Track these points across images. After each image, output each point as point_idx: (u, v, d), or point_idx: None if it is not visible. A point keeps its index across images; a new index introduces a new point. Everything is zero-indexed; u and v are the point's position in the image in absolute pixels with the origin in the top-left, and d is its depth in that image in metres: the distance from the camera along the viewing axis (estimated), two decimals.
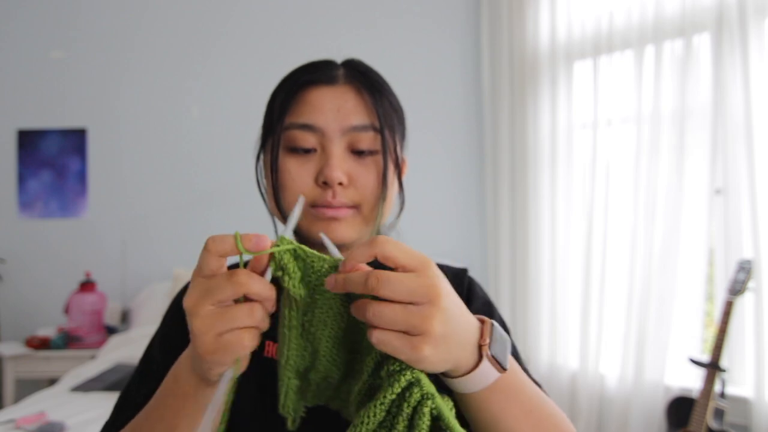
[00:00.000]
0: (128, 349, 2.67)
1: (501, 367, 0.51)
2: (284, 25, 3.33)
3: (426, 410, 0.46)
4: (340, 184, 0.68)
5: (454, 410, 0.49)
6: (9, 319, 3.38)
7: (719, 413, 1.88)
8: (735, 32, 2.08)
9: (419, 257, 0.47)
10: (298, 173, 0.69)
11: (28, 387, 3.08)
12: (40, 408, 2.01)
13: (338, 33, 3.30)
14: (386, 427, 0.47)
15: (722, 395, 1.91)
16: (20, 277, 3.39)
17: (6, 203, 3.41)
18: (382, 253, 0.47)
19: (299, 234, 0.73)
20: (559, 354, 2.66)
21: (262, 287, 0.48)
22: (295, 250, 0.50)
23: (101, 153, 3.42)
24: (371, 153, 0.70)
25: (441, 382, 0.52)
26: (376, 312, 0.45)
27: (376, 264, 0.48)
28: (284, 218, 0.71)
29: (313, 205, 0.69)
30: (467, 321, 0.50)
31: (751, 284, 1.97)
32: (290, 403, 0.56)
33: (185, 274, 3.02)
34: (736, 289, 1.92)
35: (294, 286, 0.49)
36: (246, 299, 0.48)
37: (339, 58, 0.76)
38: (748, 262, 1.98)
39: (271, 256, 0.49)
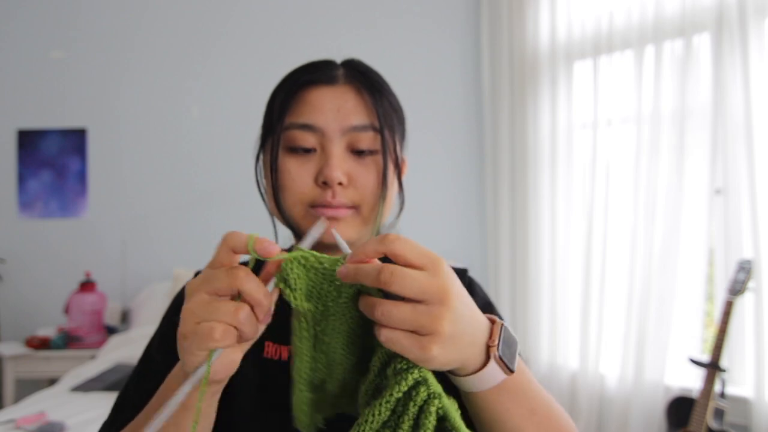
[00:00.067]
0: (128, 349, 2.67)
1: (508, 369, 0.51)
2: (284, 25, 3.33)
3: (432, 409, 0.45)
4: (340, 184, 0.68)
5: (459, 411, 0.49)
6: (9, 319, 3.38)
7: (719, 413, 1.88)
8: (735, 32, 2.08)
9: (431, 256, 0.47)
10: (298, 173, 0.69)
11: (28, 387, 3.08)
12: (40, 408, 2.01)
13: (338, 33, 3.30)
14: (390, 427, 0.46)
15: (722, 395, 1.91)
16: (20, 277, 3.39)
17: (6, 203, 3.41)
18: (393, 250, 0.46)
19: (299, 235, 0.73)
20: (559, 354, 2.66)
21: (255, 288, 0.47)
22: (306, 263, 0.48)
23: (101, 153, 3.42)
24: (371, 153, 0.70)
25: (446, 380, 0.52)
26: (385, 311, 0.45)
27: (385, 261, 0.48)
28: (284, 218, 0.71)
29: (312, 205, 0.69)
30: (477, 321, 0.50)
31: (751, 284, 1.97)
32: (303, 417, 0.55)
33: (185, 274, 3.02)
34: (736, 289, 1.92)
35: (295, 298, 0.48)
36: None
37: (339, 58, 0.75)
38: (748, 262, 1.98)
39: (279, 268, 0.49)
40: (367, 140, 0.69)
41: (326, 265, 0.49)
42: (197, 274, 0.80)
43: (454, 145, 3.23)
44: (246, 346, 0.52)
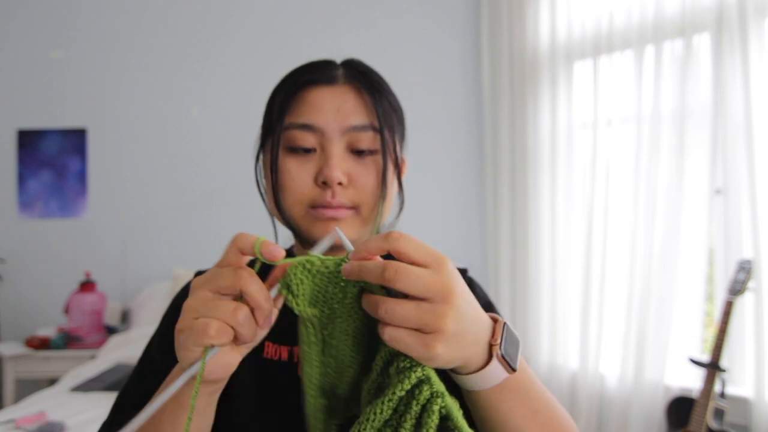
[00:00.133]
0: (128, 349, 2.67)
1: (510, 368, 0.51)
2: (284, 25, 3.33)
3: (435, 408, 0.45)
4: (340, 184, 0.68)
5: (461, 411, 0.48)
6: (9, 319, 3.38)
7: (719, 413, 1.88)
8: (735, 32, 2.08)
9: (434, 254, 0.47)
10: (298, 173, 0.69)
11: (28, 387, 3.08)
12: (40, 408, 2.01)
13: (338, 33, 3.30)
14: (392, 426, 0.46)
15: (722, 395, 1.91)
16: (20, 277, 3.39)
17: (6, 203, 3.41)
18: (397, 247, 0.46)
19: (299, 236, 0.73)
20: (559, 354, 2.66)
21: (257, 291, 0.47)
22: (312, 267, 0.48)
23: (101, 153, 3.42)
24: (371, 153, 0.70)
25: (448, 380, 0.52)
26: (388, 309, 0.45)
27: (388, 259, 0.48)
28: (284, 219, 0.71)
29: (312, 206, 0.69)
30: (480, 319, 0.50)
31: (751, 284, 1.97)
32: (318, 424, 0.55)
33: (185, 274, 3.02)
34: (736, 289, 1.92)
35: (297, 304, 0.48)
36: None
37: (339, 58, 0.75)
38: (748, 262, 1.98)
39: (284, 274, 0.48)
40: (367, 140, 0.69)
41: (331, 267, 0.48)
42: (197, 274, 0.80)
43: (454, 145, 3.23)
44: (244, 350, 0.52)
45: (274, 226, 0.76)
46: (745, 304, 2.07)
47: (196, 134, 3.39)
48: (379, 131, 0.70)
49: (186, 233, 3.37)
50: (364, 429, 0.46)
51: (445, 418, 0.45)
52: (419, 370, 0.46)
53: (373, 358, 0.51)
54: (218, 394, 0.55)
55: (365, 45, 3.19)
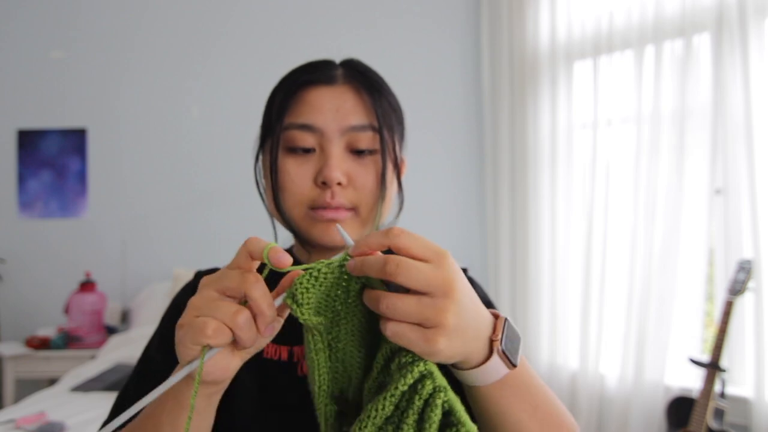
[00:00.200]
0: (128, 349, 2.67)
1: (511, 363, 0.51)
2: (284, 25, 3.33)
3: (438, 402, 0.45)
4: (339, 184, 0.68)
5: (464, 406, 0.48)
6: (9, 319, 3.38)
7: (719, 413, 1.88)
8: (735, 32, 2.08)
9: (435, 248, 0.47)
10: (297, 173, 0.69)
11: (28, 387, 3.08)
12: (40, 408, 2.01)
13: (338, 33, 3.30)
14: (394, 423, 0.46)
15: (722, 395, 1.91)
16: (20, 277, 3.39)
17: (6, 203, 3.41)
18: (397, 243, 0.46)
19: (299, 237, 0.73)
20: (559, 354, 2.66)
21: (260, 296, 0.47)
22: (319, 274, 0.48)
23: (101, 153, 3.42)
24: (370, 153, 0.70)
25: (449, 377, 0.52)
26: (390, 304, 0.45)
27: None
28: (283, 218, 0.71)
29: (311, 207, 0.69)
30: (480, 315, 0.50)
31: (751, 284, 1.96)
32: (331, 430, 0.54)
33: (185, 274, 3.02)
34: (736, 289, 1.92)
35: (302, 314, 0.48)
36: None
37: (339, 58, 0.75)
38: (748, 262, 1.98)
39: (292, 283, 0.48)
40: (366, 140, 0.69)
41: (335, 269, 0.48)
42: (197, 273, 0.80)
43: (454, 145, 3.23)
44: (245, 356, 0.51)
45: (274, 227, 0.76)
46: (745, 304, 2.07)
47: (196, 134, 3.39)
48: (379, 131, 0.70)
49: (186, 233, 3.37)
50: (366, 426, 0.45)
51: (448, 413, 0.45)
52: (421, 364, 0.45)
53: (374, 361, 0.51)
54: (218, 396, 0.54)
55: (365, 45, 3.19)
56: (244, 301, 0.48)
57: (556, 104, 2.70)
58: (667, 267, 2.25)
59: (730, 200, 2.12)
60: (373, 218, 0.71)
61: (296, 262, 0.59)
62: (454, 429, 0.45)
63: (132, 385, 0.73)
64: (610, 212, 2.49)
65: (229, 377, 0.51)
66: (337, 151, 0.69)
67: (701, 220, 2.20)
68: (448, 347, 0.45)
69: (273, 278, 0.51)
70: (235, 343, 0.48)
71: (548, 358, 2.70)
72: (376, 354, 0.51)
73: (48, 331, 3.17)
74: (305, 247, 0.74)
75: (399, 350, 0.47)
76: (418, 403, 0.45)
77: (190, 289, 0.78)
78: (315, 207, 0.69)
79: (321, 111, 0.69)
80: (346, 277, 0.48)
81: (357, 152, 0.70)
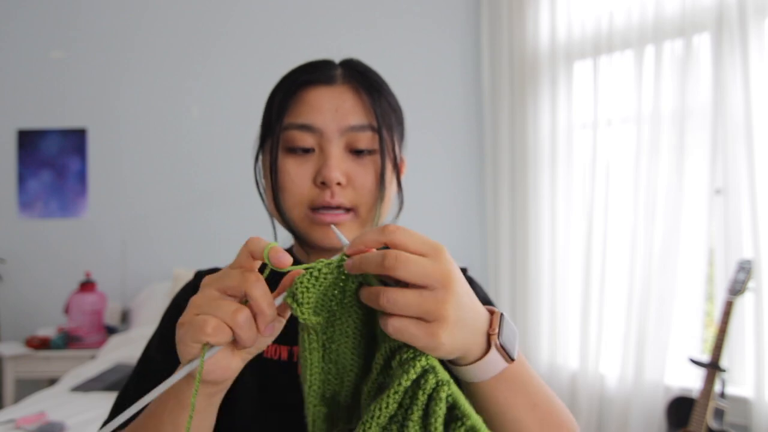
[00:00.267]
0: (128, 349, 2.67)
1: (509, 357, 0.51)
2: (284, 25, 3.33)
3: (443, 395, 0.44)
4: (339, 184, 0.68)
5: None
6: (9, 319, 3.38)
7: (719, 413, 1.88)
8: (735, 32, 2.08)
9: (431, 243, 0.47)
10: (297, 173, 0.69)
11: (28, 387, 3.09)
12: (40, 408, 2.01)
13: (338, 33, 3.30)
14: (398, 422, 0.45)
15: (722, 395, 1.91)
16: (20, 277, 3.39)
17: (6, 203, 3.41)
18: (393, 239, 0.46)
19: (299, 238, 0.73)
20: (559, 354, 2.66)
21: (261, 295, 0.47)
22: (319, 274, 0.48)
23: (101, 153, 3.42)
24: (370, 153, 0.70)
25: (448, 372, 0.52)
26: (390, 298, 0.45)
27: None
28: (282, 219, 0.71)
29: (311, 207, 0.69)
30: (477, 310, 0.50)
31: (751, 284, 1.96)
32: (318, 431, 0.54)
33: (185, 274, 3.02)
34: (736, 289, 1.92)
35: (302, 313, 0.48)
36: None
37: (339, 58, 0.75)
38: (748, 262, 1.98)
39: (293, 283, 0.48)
40: (366, 140, 0.69)
41: (334, 269, 0.48)
42: (197, 274, 0.80)
43: (454, 145, 3.23)
44: (246, 356, 0.51)
45: (274, 227, 0.76)
46: (745, 304, 2.07)
47: (196, 134, 3.39)
48: (378, 131, 0.70)
49: (186, 233, 3.37)
50: (370, 427, 0.45)
51: (452, 407, 0.45)
52: (423, 359, 0.45)
53: (372, 362, 0.51)
54: (219, 396, 0.54)
55: (365, 45, 3.19)
56: (245, 301, 0.48)
57: (556, 104, 2.70)
58: (667, 267, 2.25)
59: (730, 200, 2.12)
60: (373, 218, 0.71)
61: (296, 262, 0.59)
62: (459, 423, 0.44)
63: (132, 385, 0.73)
64: (610, 212, 2.49)
65: (231, 377, 0.51)
66: (336, 151, 0.69)
67: (701, 220, 2.20)
68: (449, 341, 0.45)
69: (274, 278, 0.51)
70: (235, 343, 0.48)
71: (548, 358, 2.70)
72: (370, 359, 0.51)
73: (48, 331, 3.17)
74: (304, 248, 0.74)
75: (399, 348, 0.47)
76: (422, 398, 0.44)
77: (190, 289, 0.78)
78: (314, 207, 0.69)
79: (320, 111, 0.69)
80: (343, 277, 0.48)
81: (356, 152, 0.70)
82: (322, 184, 0.68)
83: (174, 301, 0.79)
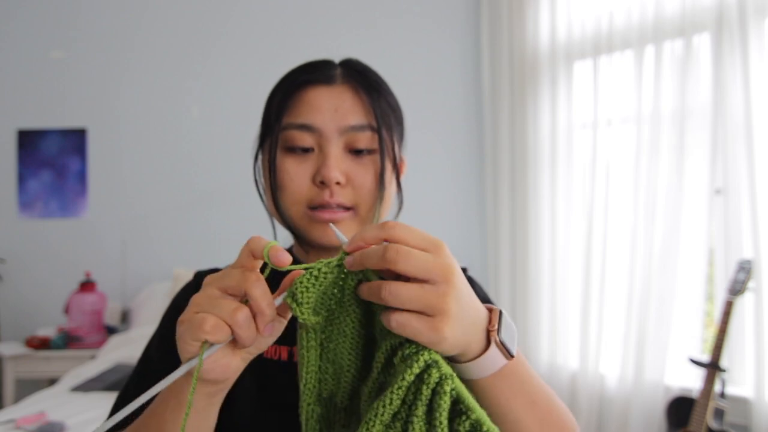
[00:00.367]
0: (128, 349, 2.67)
1: (508, 353, 0.51)
2: (284, 25, 3.33)
3: (447, 389, 0.44)
4: (338, 183, 0.68)
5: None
6: (9, 319, 3.38)
7: (719, 413, 1.88)
8: (735, 32, 2.08)
9: (431, 239, 0.47)
10: (296, 173, 0.69)
11: (28, 387, 3.08)
12: (40, 408, 2.01)
13: (338, 33, 3.30)
14: (401, 419, 0.45)
15: (722, 395, 1.91)
16: (20, 277, 3.39)
17: (6, 203, 3.41)
18: (393, 235, 0.46)
19: (298, 237, 0.73)
20: (559, 354, 2.66)
21: (260, 295, 0.47)
22: (319, 274, 0.48)
23: (101, 153, 3.42)
24: (369, 152, 0.70)
25: None
26: (392, 290, 0.44)
27: None
28: (282, 217, 0.71)
29: (310, 206, 0.69)
30: (476, 306, 0.50)
31: (751, 284, 1.96)
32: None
33: (185, 274, 3.02)
34: (736, 289, 1.92)
35: (302, 312, 0.48)
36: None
37: (339, 58, 0.76)
38: (748, 262, 1.98)
39: (292, 283, 0.48)
40: (365, 140, 0.69)
41: (335, 268, 0.48)
42: (197, 274, 0.80)
43: (454, 145, 3.23)
44: (247, 356, 0.51)
45: (273, 227, 0.76)
46: (745, 304, 2.07)
47: (196, 134, 3.39)
48: (377, 131, 0.70)
49: (186, 233, 3.37)
50: (373, 426, 0.44)
51: (456, 402, 0.44)
52: (426, 354, 0.45)
53: (370, 365, 0.50)
54: (219, 396, 0.54)
55: (365, 45, 3.19)
56: (246, 300, 0.48)
57: (556, 104, 2.70)
58: (667, 267, 2.25)
59: (730, 200, 2.12)
60: (372, 218, 0.71)
61: (296, 262, 0.59)
62: (464, 416, 0.44)
63: (132, 384, 0.73)
64: (610, 212, 2.49)
65: (231, 377, 0.51)
66: (335, 150, 0.69)
67: (701, 220, 2.20)
68: (452, 335, 0.45)
69: (275, 278, 0.51)
70: (234, 342, 0.48)
71: (548, 358, 2.70)
72: (369, 361, 0.51)
73: (48, 331, 3.17)
74: (303, 246, 0.74)
75: (401, 344, 0.47)
76: (426, 393, 0.44)
77: (189, 290, 0.78)
78: (313, 206, 0.69)
79: (320, 111, 0.69)
80: (343, 275, 0.48)
81: (356, 152, 0.70)
82: (322, 183, 0.68)
83: (174, 301, 0.79)
